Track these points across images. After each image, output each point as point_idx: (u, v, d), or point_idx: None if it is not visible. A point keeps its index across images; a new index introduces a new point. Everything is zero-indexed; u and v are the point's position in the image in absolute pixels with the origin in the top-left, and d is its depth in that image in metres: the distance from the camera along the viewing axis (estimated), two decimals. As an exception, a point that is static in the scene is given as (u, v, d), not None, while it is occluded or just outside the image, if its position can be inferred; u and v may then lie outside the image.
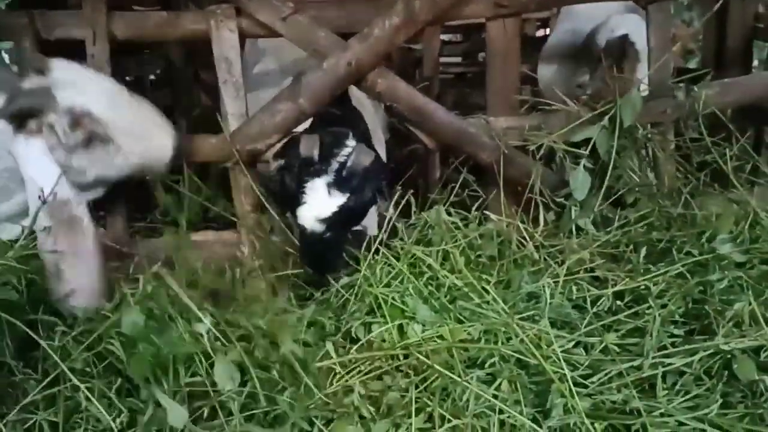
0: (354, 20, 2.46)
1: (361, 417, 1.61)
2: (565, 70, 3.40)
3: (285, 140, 2.30)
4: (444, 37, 5.73)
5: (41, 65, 1.97)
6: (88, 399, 1.59)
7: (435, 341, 1.73)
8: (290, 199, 2.05)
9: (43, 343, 1.70)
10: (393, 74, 2.45)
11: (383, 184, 2.11)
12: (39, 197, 1.92)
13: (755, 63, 3.77)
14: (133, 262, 2.14)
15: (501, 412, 1.54)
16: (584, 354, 1.72)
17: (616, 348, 1.72)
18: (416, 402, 1.58)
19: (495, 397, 1.57)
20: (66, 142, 1.92)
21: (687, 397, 1.58)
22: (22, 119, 1.93)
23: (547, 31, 5.60)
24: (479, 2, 2.42)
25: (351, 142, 2.09)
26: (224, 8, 2.43)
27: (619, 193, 2.32)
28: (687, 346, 1.67)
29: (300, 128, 2.42)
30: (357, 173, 2.00)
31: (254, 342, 1.71)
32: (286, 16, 2.38)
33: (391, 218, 2.09)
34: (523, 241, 2.20)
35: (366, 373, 1.70)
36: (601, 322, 1.80)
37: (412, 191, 2.25)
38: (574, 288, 1.95)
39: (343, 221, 2.01)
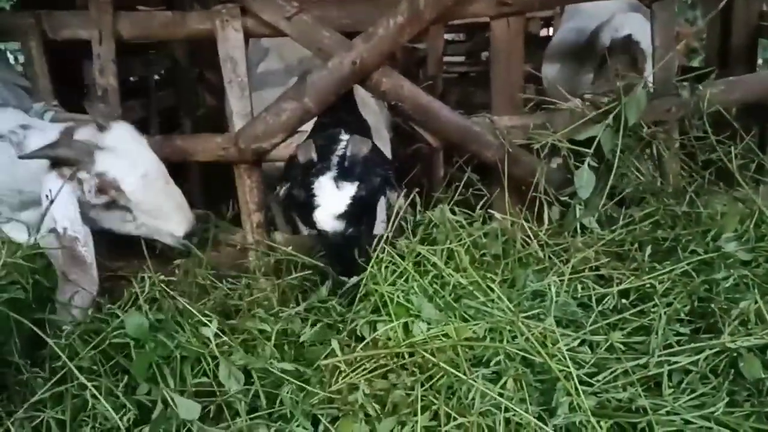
0: (358, 19, 2.47)
1: (367, 415, 1.61)
2: (569, 69, 3.40)
3: (286, 162, 2.32)
4: (447, 36, 5.74)
5: (104, 122, 2.03)
6: (95, 397, 1.60)
7: (440, 339, 1.72)
8: (304, 209, 2.06)
9: (50, 341, 1.71)
10: (397, 73, 2.46)
11: (390, 174, 2.12)
12: (46, 196, 1.94)
13: (760, 61, 3.76)
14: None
15: (506, 410, 1.53)
16: (590, 352, 1.72)
17: (621, 346, 1.72)
18: (422, 400, 1.58)
19: (500, 395, 1.56)
20: (89, 199, 1.99)
21: (693, 395, 1.57)
22: (59, 162, 1.99)
23: (551, 30, 5.60)
24: (483, 1, 2.42)
25: (344, 136, 2.10)
26: (229, 8, 2.44)
27: (624, 192, 2.31)
28: (693, 345, 1.67)
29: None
30: (358, 161, 2.01)
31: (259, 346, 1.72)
32: (291, 16, 2.39)
33: (397, 215, 2.09)
34: (527, 239, 2.20)
35: (371, 371, 1.70)
36: (607, 321, 1.80)
37: (416, 190, 2.25)
38: (579, 286, 1.95)
39: (359, 213, 2.02)
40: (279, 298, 2.17)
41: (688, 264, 1.92)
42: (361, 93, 2.65)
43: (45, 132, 2.07)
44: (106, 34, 2.49)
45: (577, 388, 1.52)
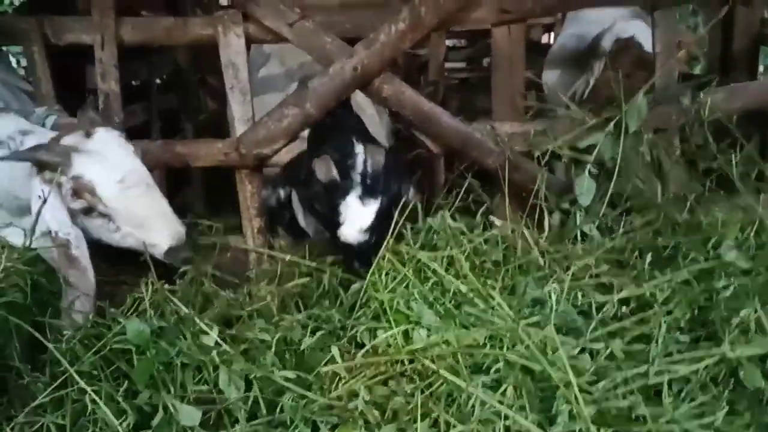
0: (360, 26, 2.48)
1: (366, 422, 1.61)
2: (570, 76, 3.41)
3: (288, 163, 2.32)
4: (448, 42, 5.75)
5: (90, 128, 2.02)
6: (95, 402, 1.60)
7: (440, 346, 1.72)
8: (327, 225, 2.07)
9: (50, 345, 1.71)
10: (399, 80, 2.46)
11: (407, 179, 2.13)
12: (39, 197, 1.96)
13: (761, 69, 3.77)
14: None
15: (506, 417, 1.53)
16: (590, 360, 1.72)
17: (621, 354, 1.72)
18: (421, 407, 1.58)
19: (500, 402, 1.56)
20: (68, 204, 1.98)
21: (693, 404, 1.57)
22: (41, 166, 1.99)
23: (552, 36, 5.61)
24: (485, 8, 2.43)
25: (359, 148, 2.10)
26: (231, 14, 2.46)
27: (625, 199, 2.31)
28: (693, 353, 1.67)
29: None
30: (379, 174, 2.02)
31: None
32: (293, 22, 2.40)
33: (397, 223, 2.09)
34: (528, 246, 2.20)
35: (371, 378, 1.70)
36: (607, 329, 1.80)
37: (417, 196, 2.25)
38: (579, 294, 1.95)
39: (383, 221, 2.04)
40: (279, 305, 2.18)
41: (688, 272, 1.92)
42: (358, 99, 2.65)
43: (42, 137, 2.07)
44: (109, 38, 2.50)
45: (577, 396, 1.51)
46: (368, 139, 2.23)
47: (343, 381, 1.71)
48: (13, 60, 4.62)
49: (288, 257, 2.33)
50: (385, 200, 2.02)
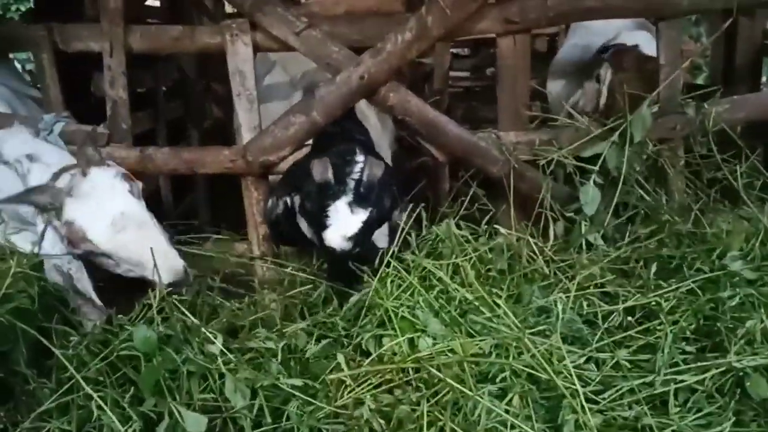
0: (367, 35, 2.50)
1: (372, 430, 1.61)
2: (574, 86, 3.42)
3: (287, 170, 2.33)
4: (452, 51, 5.76)
5: (85, 168, 2.02)
6: (101, 408, 1.61)
7: (446, 355, 1.72)
8: (314, 225, 2.08)
9: (57, 351, 1.72)
10: (405, 88, 2.48)
11: (395, 192, 2.14)
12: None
13: (764, 79, 3.78)
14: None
15: (512, 427, 1.53)
16: (596, 370, 1.72)
17: (627, 364, 1.72)
18: (427, 416, 1.58)
19: (506, 411, 1.56)
20: (66, 249, 1.98)
21: (699, 414, 1.57)
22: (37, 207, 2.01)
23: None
24: (490, 18, 2.45)
25: (360, 158, 2.11)
26: (239, 22, 2.47)
27: (630, 208, 2.32)
28: (699, 364, 1.67)
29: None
30: (374, 186, 2.03)
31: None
32: (300, 31, 2.42)
33: (403, 230, 2.10)
34: (533, 255, 2.20)
35: (377, 386, 1.70)
36: (613, 338, 1.80)
37: (422, 204, 2.26)
38: (584, 303, 1.95)
39: (367, 234, 2.04)
40: (283, 312, 2.18)
41: (693, 282, 1.92)
42: (361, 107, 2.67)
43: (45, 169, 2.07)
44: (117, 46, 2.52)
45: (583, 406, 1.52)
46: (371, 151, 2.25)
47: (349, 389, 1.70)
48: (18, 66, 4.65)
49: (291, 267, 2.34)
50: (374, 213, 2.02)
